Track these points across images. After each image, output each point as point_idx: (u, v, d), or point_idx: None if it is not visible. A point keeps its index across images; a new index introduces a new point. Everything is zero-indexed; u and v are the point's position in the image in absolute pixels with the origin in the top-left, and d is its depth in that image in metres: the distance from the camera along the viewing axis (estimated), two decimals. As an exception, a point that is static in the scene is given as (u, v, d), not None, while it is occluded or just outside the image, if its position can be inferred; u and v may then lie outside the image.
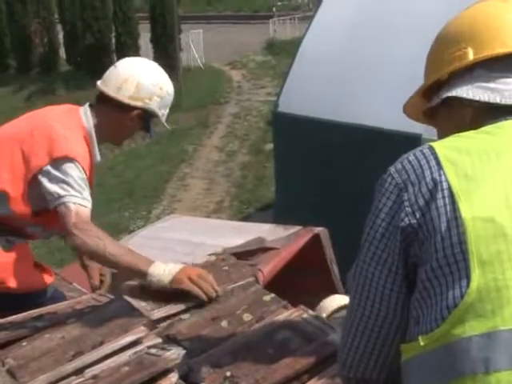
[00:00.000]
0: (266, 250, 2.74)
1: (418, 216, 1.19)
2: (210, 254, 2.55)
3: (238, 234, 3.94)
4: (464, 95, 1.31)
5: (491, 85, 1.30)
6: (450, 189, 1.16)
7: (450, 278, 1.13)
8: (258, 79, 16.94)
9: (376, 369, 1.30)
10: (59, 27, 21.02)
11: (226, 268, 2.37)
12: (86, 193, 2.39)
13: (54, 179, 2.38)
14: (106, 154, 14.97)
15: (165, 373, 1.79)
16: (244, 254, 2.63)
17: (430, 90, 1.42)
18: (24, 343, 2.06)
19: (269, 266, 2.58)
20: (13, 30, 21.42)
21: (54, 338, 2.05)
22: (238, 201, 11.05)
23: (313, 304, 2.41)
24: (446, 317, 1.12)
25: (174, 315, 2.06)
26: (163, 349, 1.88)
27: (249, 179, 11.75)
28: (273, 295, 2.14)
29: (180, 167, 12.93)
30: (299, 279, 3.05)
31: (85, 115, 2.60)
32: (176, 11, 16.68)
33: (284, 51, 16.62)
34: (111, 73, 2.61)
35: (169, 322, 2.04)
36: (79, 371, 1.85)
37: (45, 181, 2.38)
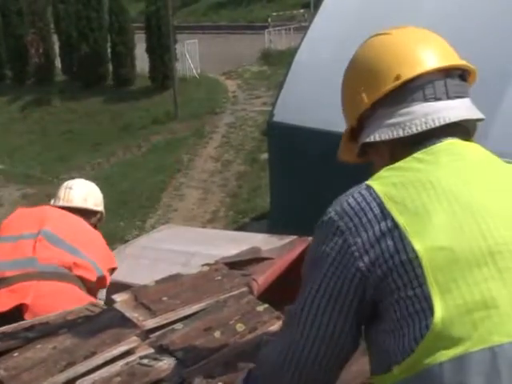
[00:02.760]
0: (260, 259, 2.73)
1: (366, 260, 1.19)
2: (203, 265, 2.54)
3: (233, 243, 3.93)
4: (372, 139, 1.35)
5: (392, 120, 1.33)
6: (397, 227, 1.17)
7: (412, 309, 1.14)
8: (253, 89, 16.94)
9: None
10: (55, 38, 21.03)
11: (219, 278, 2.36)
12: None
13: None
14: (101, 163, 15.01)
15: (157, 383, 1.78)
16: (238, 264, 2.62)
17: (354, 132, 1.44)
18: (16, 354, 2.04)
19: (263, 276, 2.57)
20: (8, 40, 21.43)
21: (46, 348, 2.03)
22: (233, 211, 11.04)
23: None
24: (415, 349, 1.13)
25: (167, 325, 2.05)
26: (155, 359, 1.87)
27: (244, 189, 11.74)
28: (266, 306, 2.13)
29: (175, 177, 12.92)
30: (293, 290, 3.03)
31: None
32: (171, 21, 16.69)
33: (279, 61, 16.64)
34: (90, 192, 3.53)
35: (161, 332, 2.03)
36: (71, 382, 1.84)
37: None
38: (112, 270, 3.32)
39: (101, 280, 3.15)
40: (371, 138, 1.35)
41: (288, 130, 6.83)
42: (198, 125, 15.22)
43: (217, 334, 1.98)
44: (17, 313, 2.79)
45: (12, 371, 1.92)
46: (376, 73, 1.36)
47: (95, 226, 3.46)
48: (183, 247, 4.68)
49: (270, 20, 20.61)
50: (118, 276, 4.10)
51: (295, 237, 3.07)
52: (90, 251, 3.12)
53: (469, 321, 1.11)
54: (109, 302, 2.38)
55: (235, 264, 2.60)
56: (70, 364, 1.89)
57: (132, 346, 1.94)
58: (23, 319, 2.73)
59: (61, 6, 20.55)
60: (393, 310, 1.17)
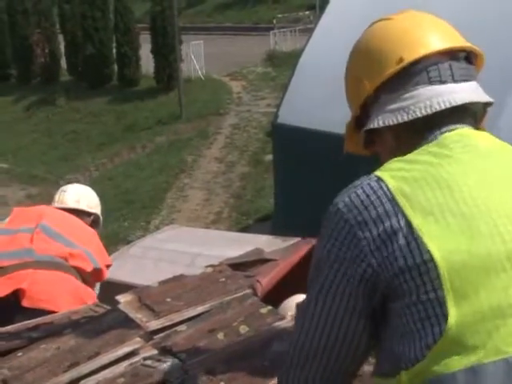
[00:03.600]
0: (264, 261, 2.73)
1: (377, 256, 1.12)
2: (207, 266, 2.54)
3: (237, 245, 3.93)
4: (375, 125, 1.29)
5: (396, 105, 1.27)
6: (410, 225, 1.11)
7: (425, 314, 1.09)
8: (258, 90, 16.96)
9: None
10: (60, 38, 21.08)
11: (223, 279, 2.36)
12: None
13: None
14: (105, 163, 15.04)
15: (160, 385, 1.77)
16: (242, 266, 2.62)
17: (359, 121, 1.38)
18: (20, 353, 2.05)
19: (267, 278, 2.56)
20: (14, 40, 21.49)
21: (50, 348, 2.03)
22: (237, 212, 11.04)
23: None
24: (426, 354, 1.08)
25: (171, 327, 2.05)
26: (159, 360, 1.87)
27: (248, 190, 11.75)
28: (270, 308, 2.13)
29: (179, 178, 12.94)
30: (297, 291, 3.03)
31: None
32: (176, 22, 16.72)
33: (284, 63, 16.65)
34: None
35: (165, 333, 2.03)
36: (75, 382, 1.84)
37: None
38: (107, 267, 3.36)
39: (97, 273, 3.21)
40: (374, 124, 1.28)
41: (292, 131, 6.84)
42: (202, 126, 15.23)
43: (220, 335, 1.98)
44: (13, 298, 2.82)
45: (16, 371, 1.93)
46: (378, 58, 1.31)
47: None
48: (187, 248, 4.69)
49: (275, 21, 20.63)
50: (121, 276, 4.11)
51: (299, 238, 3.07)
52: (86, 245, 3.20)
53: (483, 329, 1.07)
54: (112, 302, 2.39)
55: (239, 265, 2.60)
56: (74, 364, 1.89)
57: (136, 347, 1.94)
58: (19, 306, 2.76)
59: (66, 6, 20.60)
60: (404, 314, 1.11)
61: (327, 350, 1.18)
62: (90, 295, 3.03)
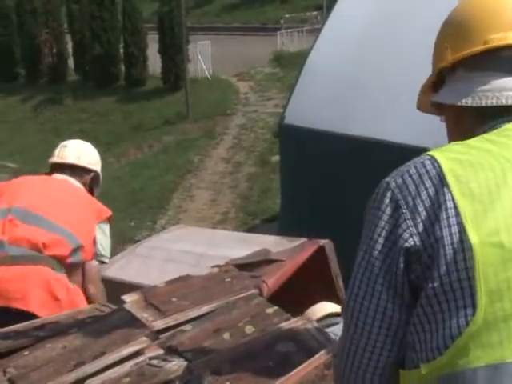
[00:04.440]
0: (270, 261, 2.73)
1: (423, 237, 1.10)
2: (213, 266, 2.54)
3: (243, 245, 3.92)
4: (442, 100, 1.28)
5: (465, 86, 1.25)
6: (456, 209, 1.09)
7: (454, 304, 1.07)
8: (265, 91, 16.96)
9: None
10: (68, 37, 21.14)
11: (229, 279, 2.36)
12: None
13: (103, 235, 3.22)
14: (112, 163, 15.06)
15: (166, 384, 1.77)
16: (248, 266, 2.62)
17: (435, 85, 1.37)
18: (26, 352, 2.05)
19: (273, 278, 2.56)
20: (22, 39, 21.57)
21: (56, 347, 2.04)
22: (244, 212, 11.04)
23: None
24: (450, 345, 1.06)
25: (176, 326, 2.05)
26: (165, 360, 1.87)
27: (255, 191, 11.74)
28: (276, 308, 2.13)
29: (186, 178, 12.94)
30: (303, 292, 3.03)
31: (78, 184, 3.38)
32: (184, 22, 16.73)
33: (291, 63, 16.63)
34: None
35: (170, 333, 2.03)
36: (80, 381, 1.84)
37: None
38: (107, 220, 3.26)
39: (83, 250, 3.05)
40: (437, 99, 1.28)
41: (299, 132, 6.82)
42: (209, 126, 15.24)
43: (226, 335, 1.98)
44: None
45: (22, 370, 1.93)
46: (464, 31, 1.27)
47: (91, 190, 3.43)
48: (193, 248, 4.68)
49: (282, 22, 20.62)
50: (127, 276, 4.11)
51: (305, 239, 3.06)
52: (67, 221, 3.05)
53: (511, 326, 1.04)
54: (118, 301, 2.39)
55: (245, 266, 2.60)
56: (80, 364, 1.89)
57: (141, 346, 1.94)
58: None
59: (74, 6, 20.67)
60: (433, 301, 1.08)
61: (373, 332, 1.15)
62: (61, 287, 2.90)
